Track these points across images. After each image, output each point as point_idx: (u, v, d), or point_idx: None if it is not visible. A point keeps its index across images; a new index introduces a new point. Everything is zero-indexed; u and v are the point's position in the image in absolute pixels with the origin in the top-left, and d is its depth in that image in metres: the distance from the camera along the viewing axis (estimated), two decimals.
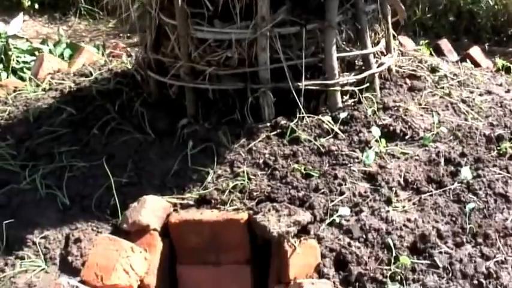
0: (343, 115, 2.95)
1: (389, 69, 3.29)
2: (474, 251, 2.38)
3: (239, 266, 2.60)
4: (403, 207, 2.54)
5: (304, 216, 2.46)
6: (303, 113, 2.93)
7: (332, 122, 2.93)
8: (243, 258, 2.59)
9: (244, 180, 2.70)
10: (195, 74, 3.00)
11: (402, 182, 2.66)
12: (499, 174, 2.68)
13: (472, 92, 3.33)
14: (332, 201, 2.55)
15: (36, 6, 7.24)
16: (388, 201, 2.57)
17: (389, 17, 3.27)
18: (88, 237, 2.57)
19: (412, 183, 2.65)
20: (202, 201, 2.66)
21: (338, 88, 3.01)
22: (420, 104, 3.13)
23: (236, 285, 2.62)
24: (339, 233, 2.45)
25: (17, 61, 5.07)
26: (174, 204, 2.66)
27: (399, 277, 2.28)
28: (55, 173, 2.93)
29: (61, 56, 5.18)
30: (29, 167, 3.00)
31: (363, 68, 3.13)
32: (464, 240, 2.41)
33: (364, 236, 2.42)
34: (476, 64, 4.15)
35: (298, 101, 2.90)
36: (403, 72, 3.40)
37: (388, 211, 2.51)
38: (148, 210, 2.55)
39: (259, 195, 2.62)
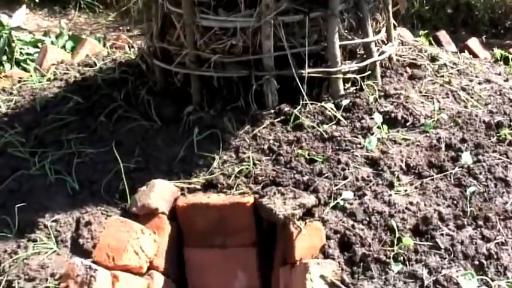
0: (345, 102, 3.01)
1: (390, 58, 3.36)
2: (475, 233, 2.44)
3: (245, 249, 2.66)
4: (405, 191, 2.60)
5: (309, 199, 2.52)
6: (306, 100, 2.99)
7: (334, 109, 2.99)
8: (249, 241, 2.65)
9: (249, 165, 2.76)
10: (200, 62, 3.06)
11: (404, 167, 2.72)
12: (499, 159, 2.75)
13: (471, 81, 3.40)
14: (336, 185, 2.61)
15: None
16: (391, 185, 2.63)
17: (390, 7, 3.33)
18: (98, 220, 2.63)
19: (414, 168, 2.71)
20: (208, 186, 2.72)
21: (340, 76, 3.07)
22: (421, 92, 3.19)
23: (242, 268, 2.68)
24: (343, 215, 2.51)
25: (21, 53, 5.11)
26: (182, 189, 2.72)
27: (402, 258, 2.34)
28: (64, 159, 2.99)
29: (63, 48, 5.23)
30: (38, 153, 3.05)
31: (365, 56, 3.19)
32: (465, 222, 2.47)
33: (367, 219, 2.47)
34: (475, 55, 4.22)
35: (301, 88, 2.96)
36: (404, 61, 3.46)
37: (390, 195, 2.57)
38: (156, 194, 2.61)
39: (265, 179, 2.68)
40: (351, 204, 2.54)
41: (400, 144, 2.84)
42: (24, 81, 4.05)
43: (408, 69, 3.38)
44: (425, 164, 2.73)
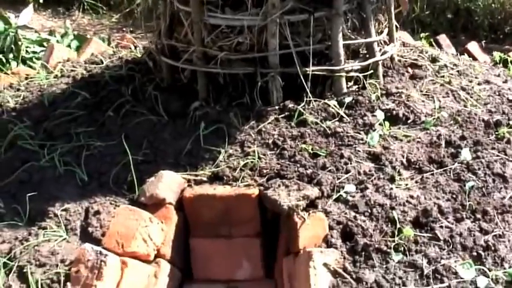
0: (348, 99, 3.08)
1: (391, 58, 3.44)
2: (473, 225, 2.51)
3: (250, 239, 2.73)
4: (406, 185, 2.68)
5: (312, 191, 2.60)
6: (310, 97, 3.07)
7: (338, 106, 3.07)
8: (254, 232, 2.72)
9: (254, 159, 2.83)
10: (207, 59, 3.14)
11: (405, 162, 2.79)
12: (497, 156, 2.82)
13: (471, 81, 3.48)
14: (338, 178, 2.69)
15: (41, 0, 7.36)
16: (392, 180, 2.70)
17: (392, 8, 3.41)
18: (107, 210, 2.70)
19: (415, 163, 2.79)
20: (214, 178, 2.79)
21: (343, 74, 3.15)
22: (421, 91, 3.27)
23: (246, 257, 2.76)
24: (345, 207, 2.58)
25: (27, 51, 5.18)
26: (188, 180, 2.79)
27: (402, 248, 2.41)
28: (73, 151, 3.06)
29: (68, 47, 5.30)
30: (47, 146, 3.12)
31: (367, 55, 3.27)
32: (464, 216, 2.54)
33: (369, 211, 2.55)
34: (474, 58, 4.31)
35: (305, 85, 3.04)
36: (405, 61, 3.55)
37: (391, 188, 2.64)
38: (164, 184, 2.68)
39: (269, 172, 2.76)
40: (353, 196, 2.62)
41: (401, 140, 2.91)
42: (31, 78, 4.13)
43: (409, 69, 3.46)
44: (426, 159, 2.81)
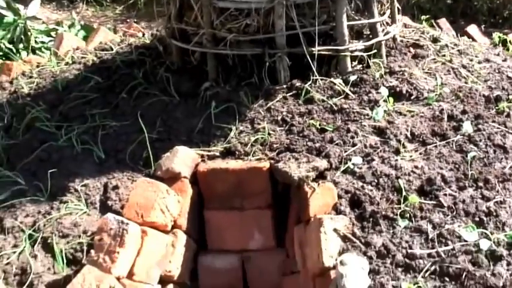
0: (353, 78, 3.20)
1: (394, 38, 3.56)
2: (475, 193, 2.63)
3: (261, 211, 2.85)
4: (411, 156, 2.80)
5: (321, 163, 2.72)
6: (316, 76, 3.19)
7: (343, 84, 3.19)
8: (265, 204, 2.84)
9: (264, 135, 2.96)
10: (216, 41, 3.26)
11: (409, 135, 2.92)
12: (498, 128, 2.94)
13: (471, 60, 3.59)
14: (346, 151, 2.81)
15: None
16: (397, 152, 2.82)
17: None
18: (124, 184, 2.83)
19: (418, 136, 2.91)
20: (227, 153, 2.92)
21: (348, 54, 3.26)
22: (423, 69, 3.39)
23: (258, 229, 2.88)
24: (353, 178, 2.70)
25: (35, 41, 5.30)
26: (202, 156, 2.92)
27: (408, 215, 2.53)
28: (89, 131, 3.19)
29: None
30: (63, 127, 3.25)
31: (370, 36, 3.39)
32: (467, 184, 2.66)
33: (375, 180, 2.67)
34: (474, 41, 4.40)
35: (311, 64, 3.16)
36: (407, 41, 3.67)
37: (397, 160, 2.76)
38: (180, 159, 2.80)
39: (279, 146, 2.88)
40: (360, 168, 2.74)
41: (405, 115, 3.03)
42: (42, 65, 4.24)
43: (411, 49, 3.58)
44: (429, 132, 2.93)
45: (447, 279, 2.29)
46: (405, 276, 2.32)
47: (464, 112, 3.06)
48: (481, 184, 2.66)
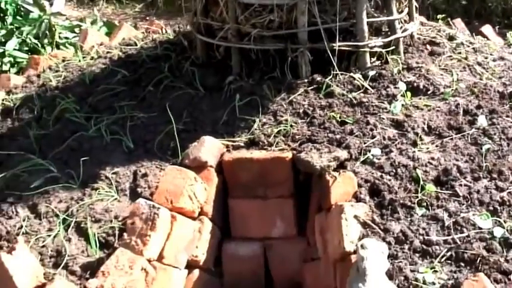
0: (372, 73, 3.33)
1: (411, 36, 3.67)
2: (490, 184, 2.74)
3: (283, 200, 2.98)
4: (427, 148, 2.92)
5: (342, 153, 2.85)
6: (336, 71, 3.31)
7: (362, 79, 3.31)
8: (287, 193, 2.97)
9: (287, 126, 3.08)
10: (240, 36, 3.39)
11: (426, 129, 3.03)
12: (511, 123, 3.05)
13: (486, 58, 3.71)
14: (365, 143, 2.93)
15: None
16: (414, 144, 2.94)
17: None
18: (153, 172, 2.95)
19: (435, 129, 3.03)
20: (251, 144, 3.05)
21: (367, 50, 3.39)
22: (440, 66, 3.51)
23: (280, 217, 3.00)
24: (372, 168, 2.82)
25: (59, 37, 5.45)
26: (227, 146, 3.05)
27: (425, 203, 2.65)
28: (118, 122, 3.32)
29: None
30: (93, 118, 3.38)
31: (389, 33, 3.51)
32: (481, 175, 2.78)
33: (394, 171, 2.79)
34: (488, 40, 4.50)
35: (332, 60, 3.28)
36: (424, 39, 3.78)
37: (414, 151, 2.88)
38: (206, 148, 2.94)
39: (301, 138, 3.01)
40: (379, 159, 2.86)
41: (422, 109, 3.15)
42: (68, 60, 4.38)
43: (428, 47, 3.69)
44: (445, 126, 3.05)
45: (462, 264, 2.41)
46: (422, 261, 2.44)
47: (479, 107, 3.17)
48: (494, 175, 2.78)
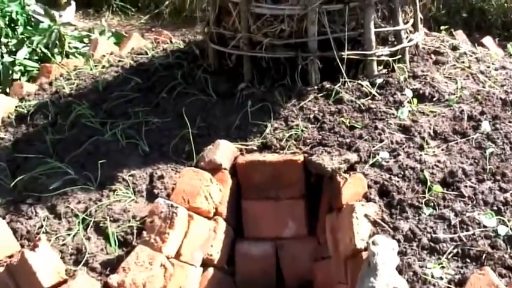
0: (379, 81, 3.45)
1: (417, 46, 3.80)
2: (493, 185, 2.85)
3: (295, 201, 3.09)
4: (434, 152, 3.03)
5: (352, 156, 2.96)
6: (345, 78, 3.43)
7: (370, 86, 3.43)
8: (299, 194, 3.08)
9: (298, 131, 3.20)
10: (252, 45, 3.52)
11: (432, 133, 3.15)
12: None
13: (488, 67, 3.83)
14: (374, 146, 3.05)
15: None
16: (421, 148, 3.06)
17: (417, 0, 3.78)
18: (169, 175, 3.06)
19: (441, 134, 3.14)
20: (263, 147, 3.16)
21: (374, 58, 3.51)
22: (444, 74, 3.63)
23: (292, 218, 3.11)
24: (381, 171, 2.94)
25: (69, 46, 5.56)
26: (240, 150, 3.16)
27: (432, 203, 2.76)
28: (133, 127, 3.42)
29: None
30: (108, 123, 3.49)
31: (395, 42, 3.63)
32: (485, 177, 2.89)
33: (402, 173, 2.90)
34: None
35: (341, 67, 3.40)
36: (428, 49, 3.91)
37: (421, 155, 3.00)
38: (221, 151, 3.05)
39: (312, 142, 3.12)
40: (387, 162, 2.97)
41: (428, 115, 3.27)
42: (79, 68, 4.49)
43: (432, 56, 3.82)
44: (450, 131, 3.16)
45: (468, 260, 2.52)
46: (430, 257, 2.55)
47: (482, 113, 3.29)
48: (498, 177, 2.89)
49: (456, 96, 3.41)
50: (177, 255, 2.73)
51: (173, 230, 2.66)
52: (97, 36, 5.79)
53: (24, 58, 5.27)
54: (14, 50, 5.38)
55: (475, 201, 2.77)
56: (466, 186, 2.84)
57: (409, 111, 3.26)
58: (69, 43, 5.61)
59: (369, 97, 3.39)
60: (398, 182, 2.86)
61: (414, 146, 3.07)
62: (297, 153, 3.07)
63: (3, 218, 2.90)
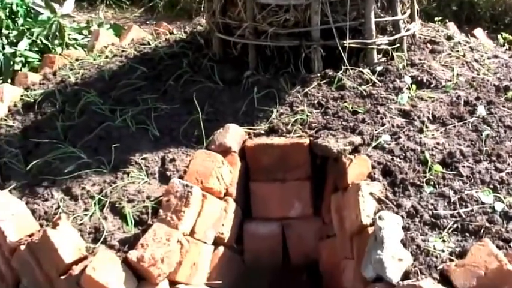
0: (379, 68, 3.60)
1: (413, 35, 3.96)
2: (490, 165, 3.01)
3: (301, 182, 3.23)
4: (433, 135, 3.19)
5: (356, 139, 3.11)
6: (346, 66, 3.58)
7: (370, 73, 3.58)
8: (305, 176, 3.22)
9: (303, 116, 3.34)
10: (257, 34, 3.65)
11: (431, 117, 3.31)
12: (508, 112, 3.34)
13: (482, 56, 4.00)
14: (376, 130, 3.20)
15: None
16: (421, 131, 3.21)
17: None
18: (180, 158, 3.19)
19: (439, 118, 3.30)
20: (270, 131, 3.30)
21: (375, 47, 3.66)
22: (440, 62, 3.79)
23: (298, 198, 3.25)
24: (383, 152, 3.08)
25: (69, 38, 5.66)
26: (248, 134, 3.30)
27: (433, 182, 2.91)
28: (142, 113, 3.54)
29: None
30: (117, 110, 3.60)
31: (394, 32, 3.78)
32: (482, 158, 3.05)
33: (403, 154, 3.05)
34: None
35: (343, 56, 3.55)
36: (425, 38, 4.07)
37: (421, 137, 3.15)
38: (231, 135, 3.18)
39: (317, 125, 3.27)
40: (389, 144, 3.12)
41: (426, 100, 3.42)
42: (81, 59, 4.59)
43: (429, 45, 3.98)
44: (448, 115, 3.32)
45: (467, 234, 2.68)
46: (432, 232, 2.70)
47: (478, 98, 3.45)
48: (494, 158, 3.05)
49: (452, 83, 3.57)
50: (192, 233, 2.86)
51: (189, 208, 2.79)
52: (96, 27, 5.89)
53: (25, 49, 5.36)
54: (14, 41, 5.47)
55: (472, 180, 2.92)
56: (464, 166, 2.99)
57: (409, 96, 3.42)
58: (69, 35, 5.70)
59: (370, 84, 3.53)
60: (400, 162, 3.01)
61: (414, 130, 3.22)
62: (303, 136, 3.21)
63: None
